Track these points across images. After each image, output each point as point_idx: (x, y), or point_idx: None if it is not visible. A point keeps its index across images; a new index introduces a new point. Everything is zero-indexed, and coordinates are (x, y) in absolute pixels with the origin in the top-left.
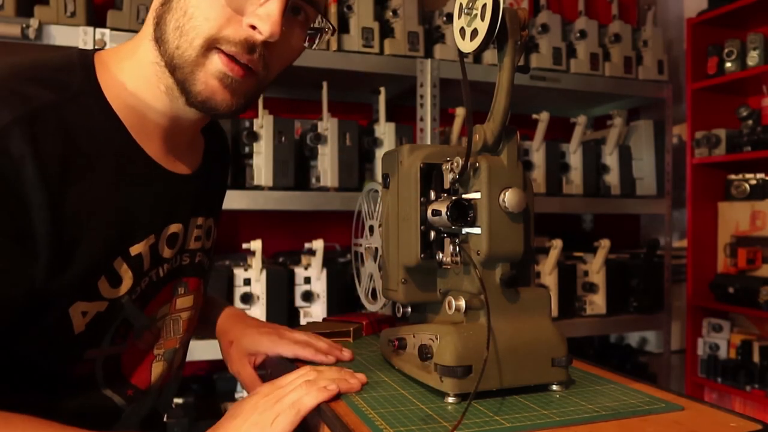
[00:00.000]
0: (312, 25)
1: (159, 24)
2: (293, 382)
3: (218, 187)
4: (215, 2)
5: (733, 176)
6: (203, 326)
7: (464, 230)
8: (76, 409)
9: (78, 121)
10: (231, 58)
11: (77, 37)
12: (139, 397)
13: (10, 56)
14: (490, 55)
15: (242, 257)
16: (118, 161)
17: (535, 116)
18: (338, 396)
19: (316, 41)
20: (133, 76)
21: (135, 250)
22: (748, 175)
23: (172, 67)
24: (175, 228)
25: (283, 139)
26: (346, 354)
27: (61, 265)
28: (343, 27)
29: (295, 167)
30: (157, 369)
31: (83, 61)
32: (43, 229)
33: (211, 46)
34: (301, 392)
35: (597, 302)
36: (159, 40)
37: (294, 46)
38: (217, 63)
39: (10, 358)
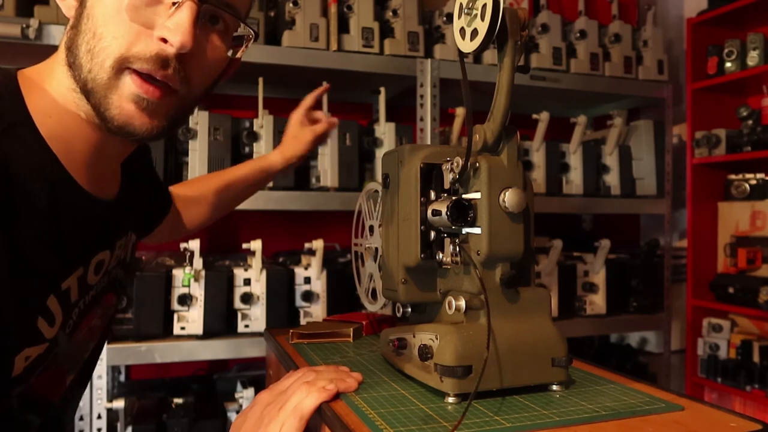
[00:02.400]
0: (235, 34)
1: (71, 48)
2: (293, 386)
3: (143, 200)
4: (121, 19)
5: (733, 176)
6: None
7: (464, 230)
8: None
9: (16, 155)
10: (144, 77)
11: None
12: (49, 410)
13: None
14: (490, 55)
15: (242, 257)
16: (53, 194)
17: (535, 116)
18: (337, 396)
19: (241, 50)
20: (56, 104)
21: (65, 284)
22: (748, 175)
23: (86, 92)
24: (102, 256)
25: None
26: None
27: (14, 310)
28: (343, 27)
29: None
30: (68, 379)
31: (9, 85)
32: (2, 274)
33: (122, 66)
34: (301, 395)
35: (597, 302)
36: (72, 65)
37: (215, 57)
38: (130, 85)
39: None
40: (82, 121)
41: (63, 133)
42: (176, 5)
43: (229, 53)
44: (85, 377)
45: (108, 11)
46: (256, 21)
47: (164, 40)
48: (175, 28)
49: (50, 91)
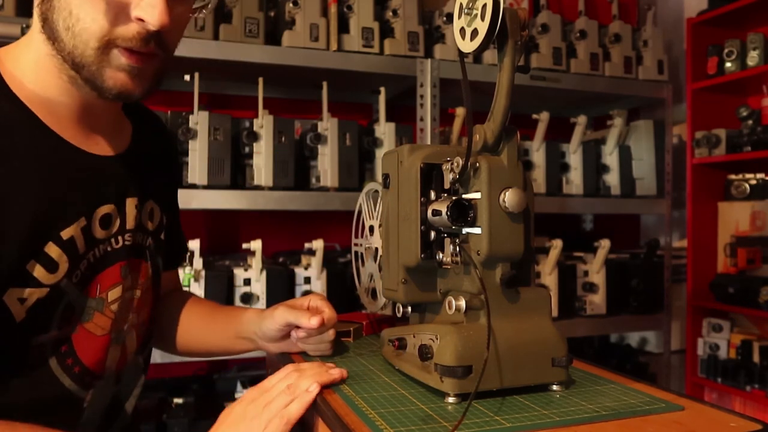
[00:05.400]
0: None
1: (46, 21)
2: (277, 386)
3: (157, 169)
4: (97, 2)
5: (733, 176)
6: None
7: (464, 230)
8: (33, 401)
9: None
10: (130, 51)
11: None
12: (94, 383)
13: None
14: (490, 55)
15: (242, 257)
16: (33, 149)
17: (535, 116)
18: (336, 392)
19: (202, 12)
20: (34, 69)
21: (66, 233)
22: (748, 175)
23: (75, 65)
24: (107, 209)
25: (283, 139)
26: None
27: None
28: (343, 27)
29: (295, 167)
30: (113, 353)
31: None
32: None
33: (108, 45)
34: (285, 399)
35: (597, 302)
36: (50, 37)
37: (183, 22)
38: (119, 58)
39: None
40: (64, 83)
41: (43, 95)
42: None
43: (193, 15)
44: (139, 360)
45: None
46: (256, 20)
47: (141, 20)
48: (150, 9)
49: (28, 59)
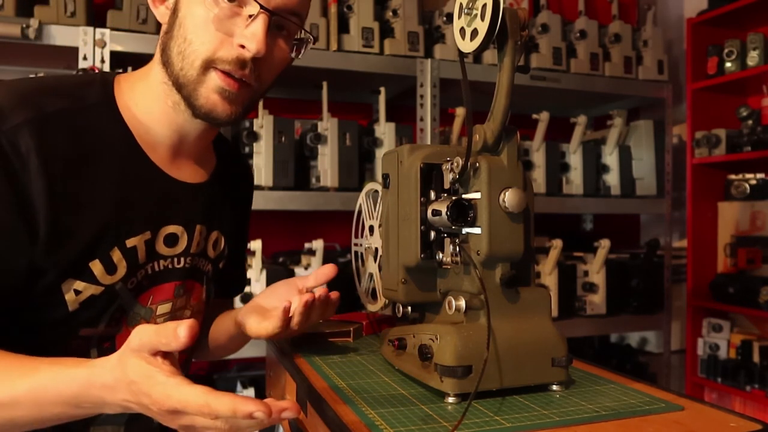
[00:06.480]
0: (296, 37)
1: (164, 50)
2: (202, 422)
3: (231, 204)
4: (208, 29)
5: (733, 176)
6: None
7: (464, 230)
8: None
9: (88, 127)
10: (226, 74)
11: (77, 37)
12: None
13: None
14: (490, 55)
15: None
16: (122, 163)
17: (535, 116)
18: (336, 392)
19: (302, 51)
20: (145, 94)
21: (131, 242)
22: (748, 175)
23: (178, 85)
24: (173, 229)
25: (283, 139)
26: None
27: (57, 243)
28: (343, 27)
29: (295, 167)
30: None
31: (103, 80)
32: (42, 212)
33: (208, 66)
34: None
35: (597, 302)
36: (165, 63)
37: (281, 57)
38: (215, 79)
39: (7, 326)
40: (168, 108)
41: (146, 119)
42: (252, 17)
43: (292, 54)
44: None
45: (197, 21)
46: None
47: (242, 46)
48: (251, 36)
49: (141, 85)
